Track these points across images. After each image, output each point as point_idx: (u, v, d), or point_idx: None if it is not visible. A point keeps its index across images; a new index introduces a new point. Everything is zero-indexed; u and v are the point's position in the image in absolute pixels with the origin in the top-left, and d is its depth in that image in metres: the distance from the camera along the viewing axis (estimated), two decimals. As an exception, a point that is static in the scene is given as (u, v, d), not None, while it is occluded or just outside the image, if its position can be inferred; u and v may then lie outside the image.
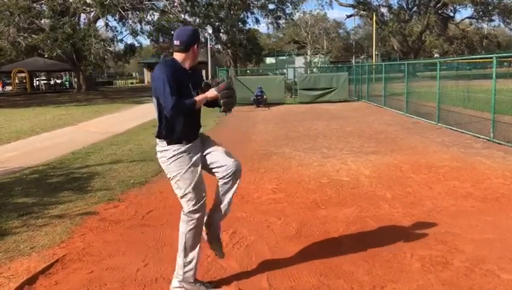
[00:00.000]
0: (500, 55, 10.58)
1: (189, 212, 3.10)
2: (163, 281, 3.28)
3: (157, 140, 3.13)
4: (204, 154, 3.21)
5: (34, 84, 44.28)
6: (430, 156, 7.39)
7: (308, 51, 35.42)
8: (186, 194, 3.10)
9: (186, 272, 3.10)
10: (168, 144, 3.09)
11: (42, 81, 46.12)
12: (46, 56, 38.29)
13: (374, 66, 23.04)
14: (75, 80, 41.31)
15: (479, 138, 8.88)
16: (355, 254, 3.64)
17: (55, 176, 6.94)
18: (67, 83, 48.61)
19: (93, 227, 4.51)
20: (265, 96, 18.82)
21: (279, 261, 3.56)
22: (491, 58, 9.45)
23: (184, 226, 3.12)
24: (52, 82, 47.30)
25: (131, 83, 63.64)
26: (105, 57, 33.68)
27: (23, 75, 40.65)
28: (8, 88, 44.87)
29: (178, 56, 3.11)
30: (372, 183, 5.83)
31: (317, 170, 6.70)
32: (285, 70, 26.00)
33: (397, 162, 7.05)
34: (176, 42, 3.09)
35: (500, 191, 5.26)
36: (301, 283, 3.20)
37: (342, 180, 6.06)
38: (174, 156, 3.08)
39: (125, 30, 37.68)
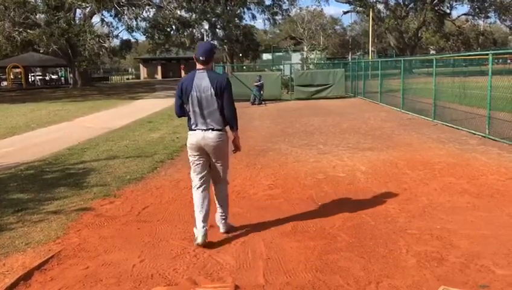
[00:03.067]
0: (496, 52, 10.60)
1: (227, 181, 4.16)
2: (159, 277, 3.28)
3: (219, 131, 3.91)
4: None
5: (30, 79, 43.99)
6: (426, 153, 7.41)
7: (305, 47, 35.33)
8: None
9: None
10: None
11: (38, 77, 45.84)
12: (41, 51, 38.04)
13: (370, 62, 23.05)
14: (71, 75, 41.01)
15: (475, 134, 8.91)
16: (351, 250, 3.65)
17: (50, 171, 6.91)
18: (63, 78, 48.33)
19: (88, 223, 4.50)
20: (262, 91, 18.52)
21: (275, 257, 3.56)
22: (487, 55, 9.47)
23: (227, 189, 4.17)
24: (47, 78, 47.02)
25: (127, 79, 63.32)
26: (100, 52, 33.50)
27: (18, 70, 40.37)
28: (4, 84, 44.58)
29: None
30: (368, 180, 5.84)
31: (314, 166, 6.71)
32: (281, 67, 25.95)
33: (393, 158, 7.07)
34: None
35: (495, 188, 5.28)
36: (297, 278, 3.21)
37: (338, 177, 6.07)
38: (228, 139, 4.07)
39: (121, 26, 37.50)
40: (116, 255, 3.72)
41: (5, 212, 4.90)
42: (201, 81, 3.84)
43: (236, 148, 4.21)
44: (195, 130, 3.90)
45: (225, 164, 4.09)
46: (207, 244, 3.81)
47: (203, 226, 3.85)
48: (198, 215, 3.91)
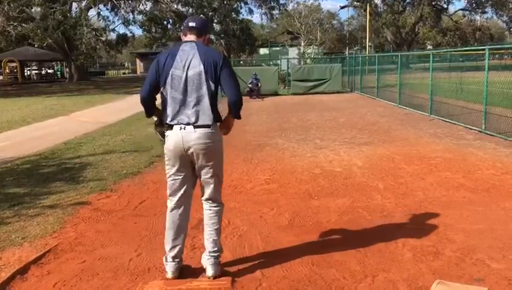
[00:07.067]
0: (492, 47, 10.63)
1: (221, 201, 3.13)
2: (156, 271, 3.29)
3: (207, 129, 2.83)
4: None
5: (25, 74, 43.76)
6: (423, 147, 7.43)
7: (302, 42, 35.26)
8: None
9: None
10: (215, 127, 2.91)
11: (33, 71, 45.60)
12: (36, 45, 37.83)
13: (367, 57, 23.04)
14: (67, 69, 40.86)
15: (471, 129, 8.93)
16: (347, 244, 3.66)
17: (47, 166, 6.89)
18: (58, 72, 48.09)
19: (85, 217, 4.50)
20: (259, 85, 18.52)
21: (272, 251, 3.57)
22: (483, 50, 9.48)
23: (220, 213, 3.11)
24: (43, 72, 46.78)
25: (124, 73, 63.15)
26: (97, 46, 33.38)
27: (13, 64, 40.14)
28: (-1, 78, 44.39)
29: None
30: (365, 174, 5.86)
31: (310, 161, 6.72)
32: (278, 61, 25.91)
33: (390, 153, 7.08)
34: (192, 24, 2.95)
35: (491, 182, 5.31)
36: (293, 272, 3.22)
37: (335, 171, 6.08)
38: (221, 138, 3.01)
39: (118, 20, 37.35)
40: (113, 249, 3.72)
41: (1, 206, 4.88)
42: (188, 55, 2.78)
43: (227, 129, 3.07)
44: (172, 126, 2.83)
45: (217, 176, 2.97)
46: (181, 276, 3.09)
47: (174, 261, 3.07)
48: (171, 250, 3.06)
